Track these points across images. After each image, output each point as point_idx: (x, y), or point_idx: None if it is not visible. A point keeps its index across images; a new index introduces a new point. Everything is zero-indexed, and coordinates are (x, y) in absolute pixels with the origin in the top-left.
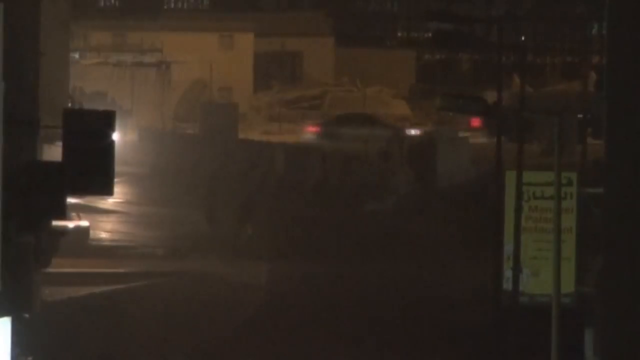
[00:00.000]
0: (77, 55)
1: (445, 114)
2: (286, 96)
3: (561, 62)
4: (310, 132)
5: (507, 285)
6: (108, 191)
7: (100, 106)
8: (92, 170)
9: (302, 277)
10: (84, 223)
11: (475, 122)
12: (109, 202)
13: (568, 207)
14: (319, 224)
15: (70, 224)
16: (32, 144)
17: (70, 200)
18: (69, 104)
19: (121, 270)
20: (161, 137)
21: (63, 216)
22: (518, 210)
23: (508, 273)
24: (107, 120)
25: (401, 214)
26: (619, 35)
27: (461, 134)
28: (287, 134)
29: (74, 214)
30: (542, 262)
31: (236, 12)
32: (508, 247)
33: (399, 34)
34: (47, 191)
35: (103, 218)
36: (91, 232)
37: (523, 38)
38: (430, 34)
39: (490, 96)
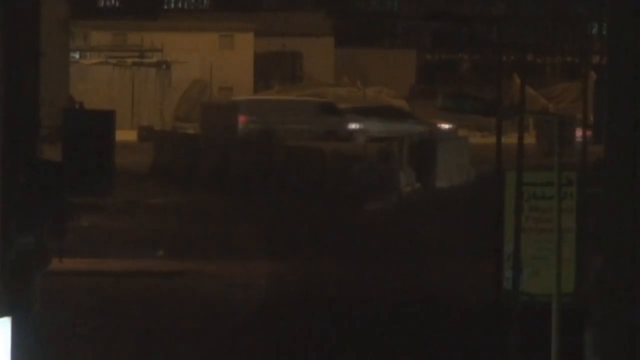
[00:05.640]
0: (77, 55)
1: (446, 113)
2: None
3: (561, 62)
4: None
5: (507, 285)
6: (108, 192)
7: None
8: (92, 170)
9: (301, 277)
10: (83, 223)
11: None
12: (108, 202)
13: (568, 207)
14: (318, 224)
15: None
16: (32, 144)
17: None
18: (76, 105)
19: (120, 270)
20: (161, 137)
21: (63, 216)
22: (518, 210)
23: (508, 273)
24: (107, 120)
25: (401, 214)
26: (619, 35)
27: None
28: None
29: (74, 214)
30: (542, 262)
31: (236, 12)
32: (508, 247)
33: (399, 34)
34: (47, 191)
35: (103, 217)
36: (90, 231)
37: (523, 38)
38: (430, 34)
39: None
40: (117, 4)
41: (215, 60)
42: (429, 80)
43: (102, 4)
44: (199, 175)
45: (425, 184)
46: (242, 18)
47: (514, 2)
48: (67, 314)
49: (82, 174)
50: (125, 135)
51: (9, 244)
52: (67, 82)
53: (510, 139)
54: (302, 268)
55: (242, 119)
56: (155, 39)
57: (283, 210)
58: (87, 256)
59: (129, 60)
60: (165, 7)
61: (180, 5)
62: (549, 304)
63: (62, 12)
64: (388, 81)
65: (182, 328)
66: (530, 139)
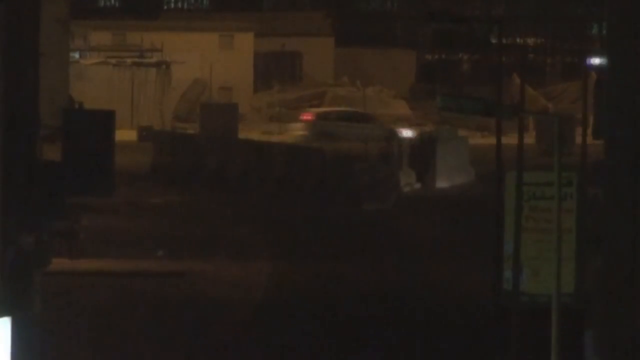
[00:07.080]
0: (77, 55)
1: (446, 113)
2: (286, 96)
3: (561, 62)
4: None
5: (507, 285)
6: (108, 192)
7: None
8: (92, 170)
9: (301, 277)
10: (83, 223)
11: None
12: (109, 202)
13: (568, 207)
14: (318, 224)
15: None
16: (32, 144)
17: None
18: (76, 105)
19: (121, 270)
20: (161, 137)
21: (63, 216)
22: (518, 210)
23: (508, 273)
24: (107, 120)
25: (401, 214)
26: (619, 35)
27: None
28: (287, 134)
29: (74, 214)
30: (542, 262)
31: (236, 12)
32: (508, 247)
33: (399, 34)
34: (47, 191)
35: (102, 217)
36: (90, 231)
37: (523, 38)
38: (430, 34)
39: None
40: (117, 4)
41: (215, 60)
42: (429, 80)
43: (102, 4)
44: (199, 175)
45: (425, 184)
46: (242, 18)
47: (514, 2)
48: (67, 314)
49: (82, 174)
50: (125, 135)
51: (9, 244)
52: (67, 82)
53: (510, 139)
54: (301, 268)
55: None
56: (155, 39)
57: (283, 210)
58: (87, 256)
59: (129, 60)
60: (165, 7)
61: (180, 5)
62: (549, 304)
63: (62, 12)
64: (388, 81)
65: (182, 328)
66: (529, 139)
